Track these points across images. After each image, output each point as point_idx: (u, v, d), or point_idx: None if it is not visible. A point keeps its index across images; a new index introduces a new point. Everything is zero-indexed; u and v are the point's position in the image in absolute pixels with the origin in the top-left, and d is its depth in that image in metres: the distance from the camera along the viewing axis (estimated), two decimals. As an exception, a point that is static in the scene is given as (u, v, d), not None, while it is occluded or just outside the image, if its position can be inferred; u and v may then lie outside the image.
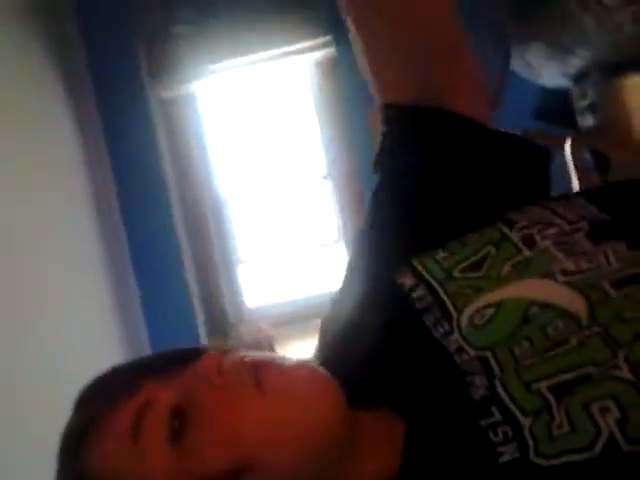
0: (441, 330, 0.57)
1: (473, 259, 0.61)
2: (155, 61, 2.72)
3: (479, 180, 0.71)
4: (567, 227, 0.61)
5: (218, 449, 0.53)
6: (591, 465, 0.45)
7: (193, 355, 0.61)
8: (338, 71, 2.64)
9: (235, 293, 2.87)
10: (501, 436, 0.49)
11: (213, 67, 2.70)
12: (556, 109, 2.72)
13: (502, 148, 0.74)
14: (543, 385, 0.50)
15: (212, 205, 2.88)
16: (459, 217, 0.67)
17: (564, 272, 0.56)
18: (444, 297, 0.59)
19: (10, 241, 1.83)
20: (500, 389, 0.51)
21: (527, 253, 0.59)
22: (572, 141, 2.34)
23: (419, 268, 0.63)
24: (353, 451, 0.57)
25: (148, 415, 0.55)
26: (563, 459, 0.46)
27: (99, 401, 0.60)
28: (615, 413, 0.46)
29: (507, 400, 0.50)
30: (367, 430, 0.59)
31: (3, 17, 2.13)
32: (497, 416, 0.50)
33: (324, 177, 2.84)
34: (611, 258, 0.56)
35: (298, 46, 2.70)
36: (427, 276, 0.62)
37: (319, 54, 2.74)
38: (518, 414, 0.49)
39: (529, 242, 0.60)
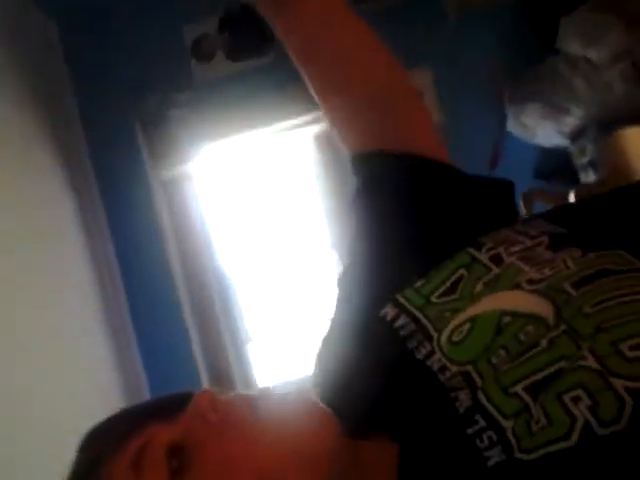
0: (424, 351, 0.60)
1: (448, 283, 0.65)
2: (154, 142, 2.76)
3: (450, 216, 0.75)
4: (529, 242, 0.65)
5: None
6: (570, 452, 0.47)
7: (190, 396, 0.62)
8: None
9: (245, 371, 2.81)
10: (486, 441, 0.51)
11: (212, 145, 2.74)
12: (555, 167, 2.74)
13: (470, 184, 0.78)
14: (519, 387, 0.52)
15: (217, 285, 2.85)
16: (435, 250, 0.70)
17: (530, 281, 0.60)
18: (425, 322, 0.62)
19: (11, 328, 1.80)
20: (483, 398, 0.53)
21: (496, 270, 0.63)
22: (576, 196, 2.34)
23: (400, 299, 0.66)
24: (351, 476, 0.59)
25: (147, 455, 0.57)
26: (543, 451, 0.48)
27: (103, 443, 0.62)
28: (586, 400, 0.48)
29: (489, 407, 0.53)
30: (365, 456, 0.61)
31: (3, 100, 2.16)
32: (481, 423, 0.52)
33: (330, 247, 2.83)
34: (569, 263, 0.60)
35: (296, 121, 2.74)
36: (408, 305, 0.65)
37: (317, 127, 2.77)
38: (500, 418, 0.51)
39: (497, 260, 0.64)
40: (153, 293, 2.66)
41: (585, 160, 2.60)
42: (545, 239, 0.65)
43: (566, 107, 2.67)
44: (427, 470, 0.56)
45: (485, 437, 0.51)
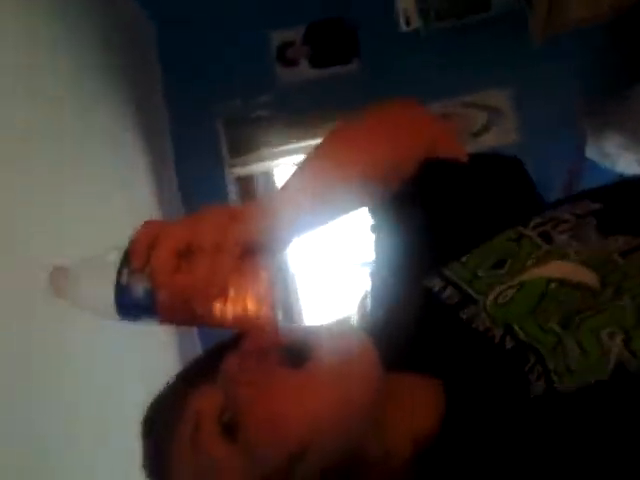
0: (468, 312, 0.62)
1: (495, 258, 0.65)
2: (234, 141, 2.84)
3: (479, 207, 0.74)
4: (576, 221, 0.66)
5: (269, 446, 0.55)
6: (604, 385, 0.50)
7: (221, 351, 0.62)
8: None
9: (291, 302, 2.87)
10: (535, 374, 0.54)
11: (290, 147, 2.80)
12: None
13: (484, 169, 0.78)
14: (553, 322, 0.56)
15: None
16: (472, 241, 0.70)
17: (578, 253, 0.61)
18: (471, 291, 0.64)
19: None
20: (522, 335, 0.56)
21: (546, 247, 0.64)
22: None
23: (446, 272, 0.67)
24: (389, 407, 0.60)
25: (202, 432, 0.58)
26: (578, 384, 0.51)
27: (161, 428, 0.62)
28: (620, 335, 0.52)
29: (533, 342, 0.56)
30: (407, 388, 0.62)
31: (96, 100, 2.28)
32: (532, 359, 0.55)
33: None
34: (619, 241, 0.61)
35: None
36: (454, 277, 0.66)
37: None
38: (544, 352, 0.54)
39: (546, 237, 0.65)
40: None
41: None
42: (592, 220, 0.65)
43: (650, 138, 2.62)
44: (474, 400, 0.58)
45: (535, 371, 0.54)
